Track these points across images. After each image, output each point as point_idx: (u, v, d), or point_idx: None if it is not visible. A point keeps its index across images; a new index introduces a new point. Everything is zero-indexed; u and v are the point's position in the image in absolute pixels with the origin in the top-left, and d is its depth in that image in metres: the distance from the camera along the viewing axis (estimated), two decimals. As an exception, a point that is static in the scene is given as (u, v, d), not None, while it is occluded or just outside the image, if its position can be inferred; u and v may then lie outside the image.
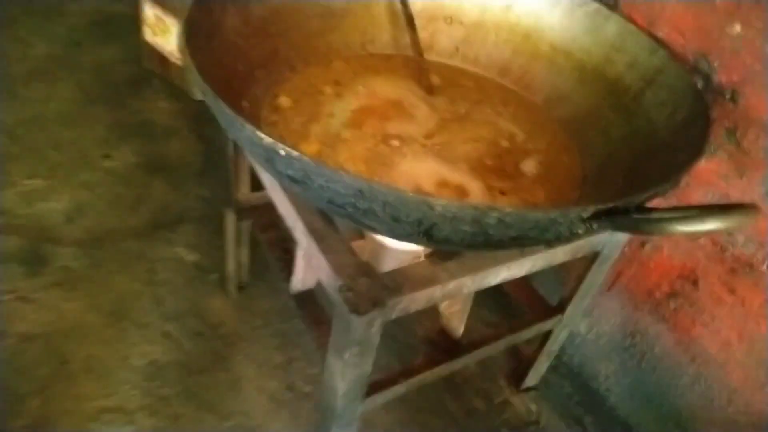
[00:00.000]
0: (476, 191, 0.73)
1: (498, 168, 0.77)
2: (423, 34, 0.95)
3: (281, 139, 0.71)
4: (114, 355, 0.98)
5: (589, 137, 0.83)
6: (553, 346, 0.99)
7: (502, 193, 0.74)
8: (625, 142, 0.79)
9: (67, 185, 1.25)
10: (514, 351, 1.09)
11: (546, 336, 0.97)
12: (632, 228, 0.51)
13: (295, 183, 0.57)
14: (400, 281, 0.66)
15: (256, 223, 1.00)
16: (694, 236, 0.91)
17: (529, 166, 0.79)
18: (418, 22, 0.94)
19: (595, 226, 0.54)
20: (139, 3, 1.47)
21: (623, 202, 0.55)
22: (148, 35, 1.52)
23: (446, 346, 0.86)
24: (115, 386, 0.93)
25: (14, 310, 1.01)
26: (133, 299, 1.06)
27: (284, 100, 0.81)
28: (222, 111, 0.56)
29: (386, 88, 0.87)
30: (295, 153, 0.52)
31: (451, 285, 0.68)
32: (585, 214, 0.54)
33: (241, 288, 1.12)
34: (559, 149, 0.82)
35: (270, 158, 0.55)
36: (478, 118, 0.85)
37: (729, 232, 0.82)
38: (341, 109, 0.81)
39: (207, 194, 1.30)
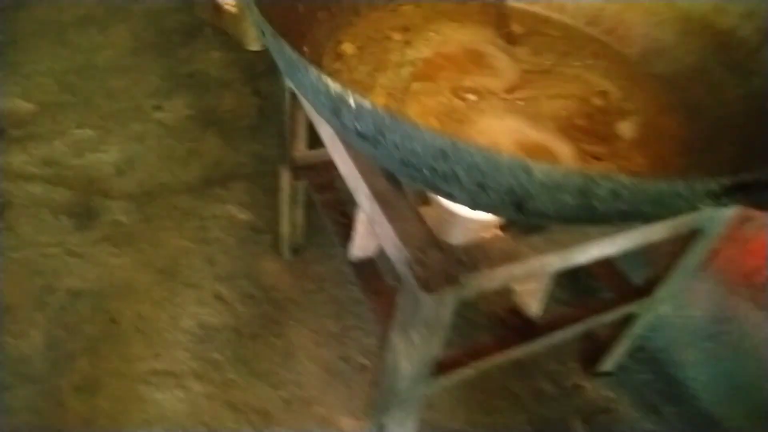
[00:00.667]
0: (566, 155, 0.63)
1: (590, 129, 0.67)
2: (502, -23, 0.85)
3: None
4: (164, 315, 0.94)
5: (695, 98, 0.72)
6: (636, 331, 0.90)
7: (596, 158, 0.64)
8: (739, 105, 0.67)
9: (118, 136, 1.21)
10: (587, 333, 1.00)
11: (627, 319, 0.88)
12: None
13: (364, 140, 0.49)
14: (476, 256, 0.57)
15: (312, 182, 0.93)
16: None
17: (626, 128, 0.68)
18: (497, -39, 0.84)
19: (727, 202, 0.45)
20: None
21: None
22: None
23: (519, 327, 0.78)
24: (164, 348, 0.90)
25: (62, 265, 0.98)
26: (184, 258, 1.02)
27: (348, 47, 0.72)
28: (283, 52, 0.48)
29: (461, 36, 0.77)
30: (367, 104, 0.44)
31: (535, 263, 0.60)
32: (717, 188, 0.44)
33: (295, 251, 1.06)
34: (660, 110, 0.72)
35: (337, 110, 0.47)
36: (566, 72, 0.74)
37: None
38: (411, 57, 0.72)
39: (261, 150, 1.24)
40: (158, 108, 1.29)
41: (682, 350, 0.97)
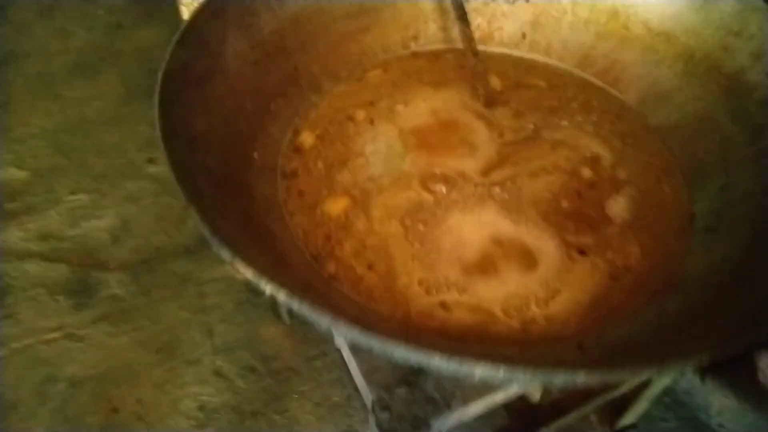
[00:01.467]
0: (548, 253, 0.57)
1: (577, 213, 0.60)
2: (480, 21, 0.77)
3: (277, 204, 0.59)
4: (164, 398, 0.93)
5: (700, 156, 0.63)
6: (655, 392, 0.83)
7: (582, 252, 0.57)
8: (749, 169, 0.59)
9: (112, 198, 1.18)
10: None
11: (646, 382, 0.81)
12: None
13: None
14: (449, 389, 0.53)
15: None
16: None
17: (619, 205, 0.61)
18: (471, 4, 0.76)
19: (708, 382, 0.39)
20: (173, -20, 1.34)
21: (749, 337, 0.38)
22: (186, 15, 1.40)
23: (523, 414, 0.72)
24: (166, 436, 0.89)
25: (63, 351, 0.97)
26: (183, 331, 1.00)
27: (307, 137, 0.66)
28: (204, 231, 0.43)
29: (433, 104, 0.70)
30: (283, 294, 0.39)
31: (516, 387, 0.54)
32: (692, 367, 0.38)
33: (293, 312, 1.02)
34: (658, 174, 0.64)
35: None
36: (552, 137, 0.66)
37: None
38: (375, 142, 0.65)
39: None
40: (151, 161, 1.26)
41: (709, 394, 0.90)
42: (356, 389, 0.81)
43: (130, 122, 1.32)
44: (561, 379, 0.36)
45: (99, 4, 1.61)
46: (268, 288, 0.39)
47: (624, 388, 0.75)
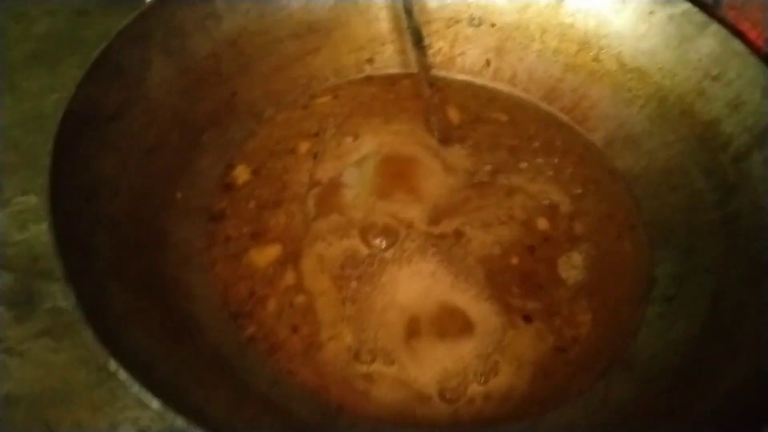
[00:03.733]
0: (487, 319, 0.51)
1: (527, 272, 0.55)
2: (441, 43, 0.71)
3: (198, 252, 0.53)
4: (102, 422, 0.87)
5: (666, 211, 0.58)
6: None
7: (527, 319, 0.52)
8: (715, 234, 0.54)
9: (64, 201, 1.12)
10: None
11: None
12: None
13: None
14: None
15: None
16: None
17: (573, 264, 0.56)
18: (433, 26, 0.70)
19: None
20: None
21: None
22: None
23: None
24: (100, 464, 0.84)
25: (1, 366, 0.92)
26: (126, 349, 0.95)
27: (241, 172, 0.60)
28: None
29: (384, 139, 0.64)
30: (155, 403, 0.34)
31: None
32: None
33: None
34: (620, 229, 0.58)
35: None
36: (509, 182, 0.61)
37: None
38: (315, 181, 0.60)
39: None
40: (108, 161, 1.19)
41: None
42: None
43: (88, 118, 1.25)
44: None
45: (65, -12, 1.53)
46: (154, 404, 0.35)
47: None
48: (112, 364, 0.35)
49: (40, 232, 1.10)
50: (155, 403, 0.33)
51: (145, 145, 0.54)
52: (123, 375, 0.34)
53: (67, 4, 1.50)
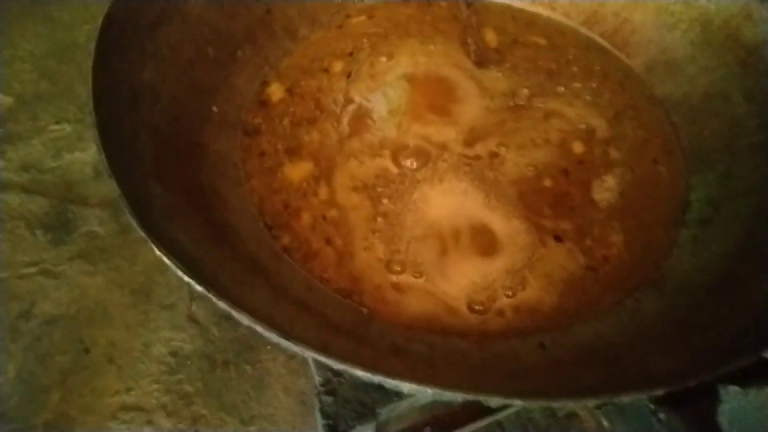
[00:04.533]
0: (516, 239, 0.52)
1: (561, 194, 0.55)
2: (480, -35, 0.69)
3: (233, 164, 0.54)
4: (136, 341, 0.91)
5: (705, 136, 0.57)
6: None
7: (558, 238, 0.52)
8: (755, 157, 0.53)
9: (98, 130, 1.14)
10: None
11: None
12: None
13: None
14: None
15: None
16: None
17: (607, 187, 0.55)
18: (473, -53, 0.68)
19: (663, 417, 0.35)
20: None
21: (711, 371, 0.34)
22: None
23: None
24: (135, 380, 0.87)
25: (38, 287, 0.95)
26: (159, 274, 0.97)
27: (276, 89, 0.61)
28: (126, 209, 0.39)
29: (419, 59, 0.63)
30: (201, 289, 0.35)
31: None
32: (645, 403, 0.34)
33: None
34: (656, 153, 0.58)
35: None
36: (546, 105, 0.60)
37: None
38: (350, 100, 0.60)
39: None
40: (140, 92, 1.20)
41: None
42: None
43: (120, 49, 1.25)
44: (495, 402, 0.33)
45: None
46: (188, 280, 0.36)
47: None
48: (156, 251, 0.35)
49: (74, 159, 1.12)
50: (199, 288, 0.34)
51: (182, 56, 0.54)
52: (167, 261, 0.35)
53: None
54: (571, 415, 0.87)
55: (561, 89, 0.62)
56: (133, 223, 0.37)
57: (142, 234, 0.36)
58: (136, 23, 0.50)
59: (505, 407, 0.51)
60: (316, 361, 0.49)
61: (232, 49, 0.59)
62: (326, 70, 0.62)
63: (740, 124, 0.55)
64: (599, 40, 0.66)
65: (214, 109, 0.56)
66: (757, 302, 0.41)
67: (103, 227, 1.02)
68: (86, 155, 1.11)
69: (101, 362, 0.89)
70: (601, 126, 0.59)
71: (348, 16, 0.67)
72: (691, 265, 0.49)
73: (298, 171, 0.55)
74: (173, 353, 0.90)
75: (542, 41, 0.66)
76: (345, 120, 0.59)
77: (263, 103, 0.59)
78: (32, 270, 0.97)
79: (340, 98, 0.60)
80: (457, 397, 0.32)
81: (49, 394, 0.86)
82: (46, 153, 1.11)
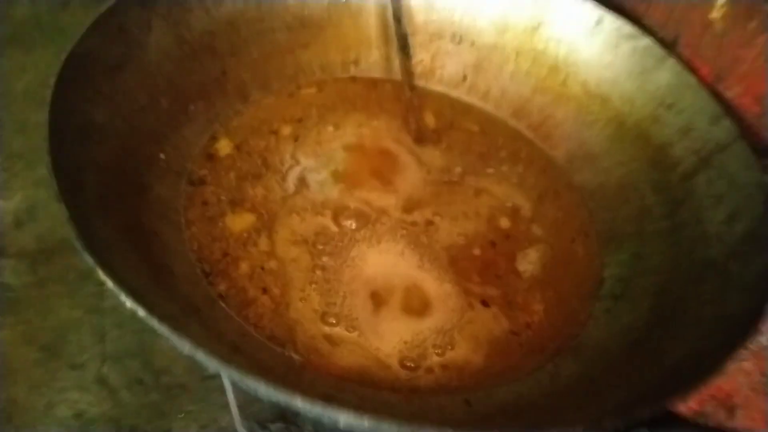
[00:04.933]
0: (447, 301, 0.54)
1: (488, 263, 0.58)
2: (423, 55, 0.75)
3: (175, 210, 0.55)
4: (39, 401, 0.86)
5: (617, 222, 0.63)
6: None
7: (485, 303, 0.55)
8: (661, 241, 0.59)
9: (23, 179, 1.11)
10: None
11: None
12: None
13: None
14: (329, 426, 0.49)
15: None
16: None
17: (530, 260, 0.60)
18: (417, 38, 0.74)
19: None
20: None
21: (628, 415, 0.37)
22: None
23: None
24: (31, 442, 0.82)
25: (-65, 338, 0.89)
26: (73, 331, 0.93)
27: (224, 145, 0.63)
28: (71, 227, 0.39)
29: (363, 132, 0.68)
30: (141, 311, 0.36)
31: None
32: None
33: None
34: (574, 234, 0.63)
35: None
36: (477, 183, 0.65)
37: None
38: (296, 161, 0.63)
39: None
40: (74, 147, 1.19)
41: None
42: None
43: (58, 103, 1.25)
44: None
45: (50, -22, 1.54)
46: (127, 303, 0.36)
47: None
48: (100, 274, 0.35)
49: (-7, 208, 1.08)
50: (140, 311, 0.34)
51: (136, 102, 0.56)
52: (106, 280, 0.35)
53: (49, -6, 1.51)
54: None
55: (491, 170, 0.67)
56: (79, 246, 0.37)
57: (89, 259, 0.36)
58: (95, 65, 0.52)
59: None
60: (242, 412, 0.49)
61: (184, 102, 0.61)
62: (275, 133, 0.65)
63: (648, 212, 0.61)
64: (525, 131, 0.73)
65: (162, 156, 0.57)
66: (662, 366, 0.45)
67: (18, 279, 0.98)
68: (9, 203, 1.08)
69: (-3, 421, 0.83)
70: (525, 205, 0.65)
71: (299, 87, 0.71)
72: (604, 334, 0.53)
73: (240, 222, 0.56)
74: (78, 415, 0.85)
75: (475, 128, 0.72)
76: (290, 179, 0.61)
77: (210, 156, 0.61)
78: (-66, 320, 0.91)
79: (287, 159, 0.63)
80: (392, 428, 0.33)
81: (-68, 454, 0.78)
82: (-37, 199, 1.06)
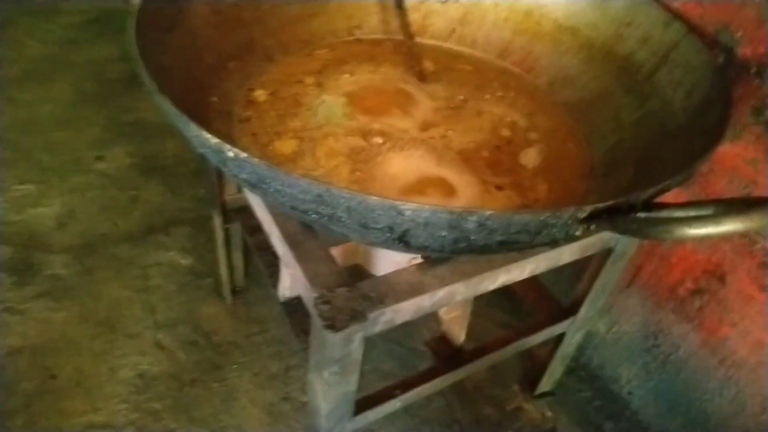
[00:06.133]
0: (467, 187, 0.65)
1: (496, 161, 0.69)
2: (415, 16, 0.88)
3: (231, 140, 0.66)
4: (102, 367, 0.94)
5: (598, 122, 0.75)
6: (567, 350, 0.92)
7: (499, 188, 0.66)
8: (637, 127, 0.70)
9: (59, 189, 1.21)
10: (527, 354, 1.01)
11: (559, 339, 0.89)
12: (635, 231, 0.44)
13: (252, 187, 0.51)
14: (383, 290, 0.59)
15: (244, 225, 0.94)
16: (710, 239, 0.84)
17: (531, 156, 0.71)
18: (410, 2, 0.87)
19: (594, 227, 0.47)
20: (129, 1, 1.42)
21: (626, 199, 0.48)
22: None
23: (447, 355, 0.79)
24: (103, 401, 0.89)
25: (2, 324, 0.97)
26: (124, 308, 1.02)
27: (260, 94, 0.74)
28: (168, 108, 0.50)
29: (374, 77, 0.79)
30: (243, 155, 0.46)
31: (442, 293, 0.61)
32: (581, 215, 0.46)
33: (236, 292, 1.07)
34: (564, 136, 0.74)
35: (222, 161, 0.49)
36: (478, 107, 0.77)
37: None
38: (323, 100, 0.74)
39: (203, 194, 1.25)
40: (100, 158, 1.30)
41: (618, 366, 0.98)
42: (296, 362, 0.85)
43: (80, 124, 1.36)
44: (473, 221, 0.44)
45: (56, 22, 1.67)
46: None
47: (539, 338, 0.83)
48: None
49: (38, 214, 1.18)
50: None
51: (188, 55, 0.67)
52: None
53: (58, 34, 1.64)
54: (518, 409, 0.96)
55: (487, 96, 0.79)
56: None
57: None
58: (154, 25, 0.63)
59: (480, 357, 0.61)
60: (311, 282, 0.58)
61: (223, 60, 0.73)
62: (301, 82, 0.76)
63: (624, 109, 0.73)
64: (511, 67, 0.85)
65: (214, 99, 0.68)
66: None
67: (66, 270, 1.07)
68: (49, 210, 1.17)
69: (68, 387, 0.91)
70: (520, 120, 0.76)
71: (314, 49, 0.82)
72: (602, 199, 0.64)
73: (286, 146, 0.67)
74: (140, 375, 0.94)
75: (468, 68, 0.84)
76: (320, 113, 0.72)
77: (251, 102, 0.72)
78: (-5, 309, 0.99)
79: (315, 99, 0.74)
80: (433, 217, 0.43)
81: (13, 418, 0.86)
82: (10, 209, 1.16)
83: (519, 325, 0.98)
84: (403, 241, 0.49)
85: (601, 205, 0.46)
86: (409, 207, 0.44)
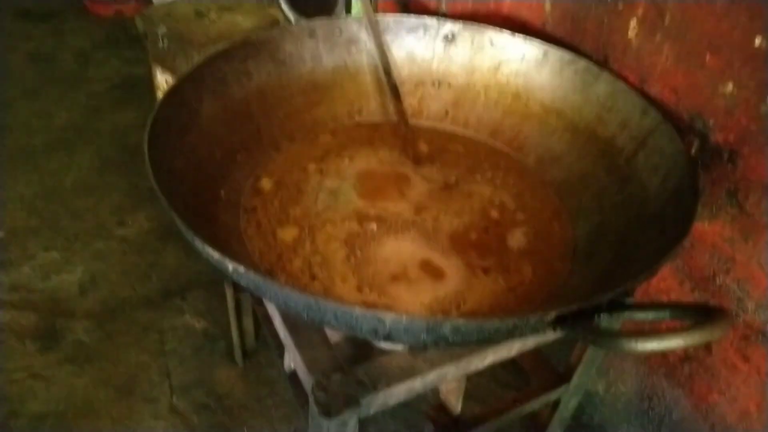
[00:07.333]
0: (456, 271, 0.70)
1: (482, 243, 0.74)
2: (411, 100, 0.94)
3: (237, 232, 0.72)
4: (122, 430, 0.99)
5: (583, 202, 0.80)
6: (564, 414, 0.95)
7: (485, 271, 0.71)
8: (617, 210, 0.75)
9: (82, 256, 1.28)
10: (528, 413, 1.05)
11: (556, 403, 0.93)
12: (593, 341, 0.48)
13: (253, 290, 0.56)
14: (375, 375, 0.63)
15: (252, 296, 1.00)
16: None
17: (517, 238, 0.76)
18: (405, 87, 0.93)
19: (559, 330, 0.52)
20: (151, 68, 1.51)
21: (590, 303, 0.52)
22: (162, 99, 1.56)
23: (446, 423, 0.83)
24: (120, 466, 0.94)
25: (27, 389, 1.03)
26: (142, 372, 1.07)
27: (266, 182, 0.80)
28: (179, 224, 0.56)
29: (372, 161, 0.85)
30: (241, 269, 0.51)
31: (433, 375, 0.65)
32: (548, 318, 0.51)
33: (247, 356, 1.12)
34: (549, 217, 0.79)
35: (224, 270, 0.55)
36: (469, 188, 0.82)
37: (738, 299, 0.77)
38: (323, 188, 0.80)
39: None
40: (121, 224, 1.37)
41: (617, 426, 1.01)
42: (304, 425, 0.89)
43: (103, 190, 1.44)
44: (447, 328, 0.49)
45: (81, 90, 1.77)
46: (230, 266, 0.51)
47: (535, 405, 0.87)
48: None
49: (62, 280, 1.25)
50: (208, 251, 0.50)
51: (198, 156, 0.73)
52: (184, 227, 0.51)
53: (82, 103, 1.73)
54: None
55: (478, 177, 0.84)
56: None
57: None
58: (168, 129, 0.70)
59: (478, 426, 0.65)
60: (308, 367, 0.63)
61: (232, 153, 0.79)
62: (304, 169, 0.83)
63: (605, 190, 0.78)
64: (502, 146, 0.90)
65: (222, 193, 0.74)
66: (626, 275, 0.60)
67: (88, 335, 1.13)
68: (73, 276, 1.24)
69: (88, 453, 0.96)
70: (508, 200, 0.81)
71: (317, 135, 0.89)
72: (580, 282, 0.69)
73: (288, 234, 0.73)
74: (157, 440, 0.98)
75: (461, 149, 0.90)
76: (320, 200, 0.78)
77: (258, 191, 0.78)
78: (21, 375, 1.05)
79: (316, 186, 0.80)
80: (417, 326, 0.48)
81: (37, 485, 0.91)
82: (35, 276, 1.23)
83: (518, 385, 1.01)
84: (388, 339, 0.54)
85: (565, 309, 0.50)
86: (389, 317, 0.49)
